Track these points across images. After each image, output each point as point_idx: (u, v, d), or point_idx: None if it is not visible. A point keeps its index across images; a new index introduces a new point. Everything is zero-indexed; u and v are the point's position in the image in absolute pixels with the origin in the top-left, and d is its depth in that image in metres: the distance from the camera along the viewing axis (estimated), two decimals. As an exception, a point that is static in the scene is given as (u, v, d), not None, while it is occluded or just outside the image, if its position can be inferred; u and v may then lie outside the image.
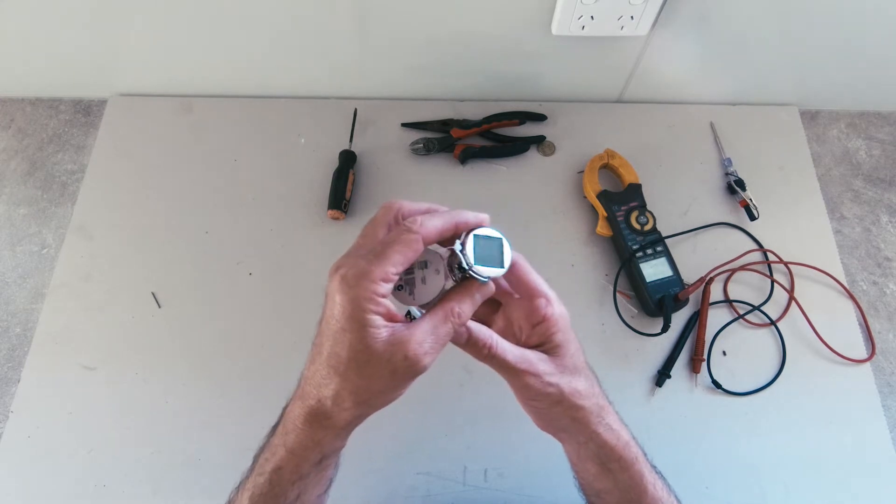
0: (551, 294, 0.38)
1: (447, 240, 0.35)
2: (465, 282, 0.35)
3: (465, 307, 0.35)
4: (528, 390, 0.37)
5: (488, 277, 0.35)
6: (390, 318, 0.33)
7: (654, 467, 0.42)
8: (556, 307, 0.38)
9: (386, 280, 0.32)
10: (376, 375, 0.32)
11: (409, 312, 0.35)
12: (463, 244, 0.34)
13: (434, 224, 0.33)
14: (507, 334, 0.39)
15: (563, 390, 0.37)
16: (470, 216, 0.35)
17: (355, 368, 0.32)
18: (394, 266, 0.32)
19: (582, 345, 0.40)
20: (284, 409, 0.38)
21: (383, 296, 0.32)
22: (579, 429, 0.39)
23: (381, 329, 0.32)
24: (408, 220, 0.33)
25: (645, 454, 0.41)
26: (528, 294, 0.38)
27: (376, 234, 0.34)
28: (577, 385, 0.38)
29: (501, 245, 0.35)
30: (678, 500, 0.42)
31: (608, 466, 0.39)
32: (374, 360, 0.32)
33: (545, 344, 0.38)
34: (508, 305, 0.40)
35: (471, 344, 0.36)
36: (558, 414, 0.38)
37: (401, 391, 0.34)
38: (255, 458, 0.39)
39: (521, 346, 0.37)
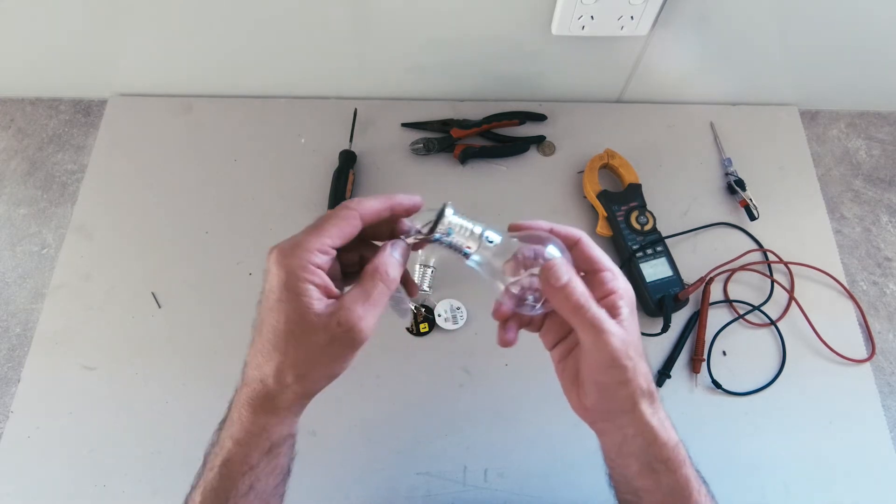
0: (616, 268, 0.38)
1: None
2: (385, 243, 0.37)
3: (382, 260, 0.35)
4: (604, 356, 0.34)
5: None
6: (327, 292, 0.33)
7: (698, 472, 0.39)
8: (622, 281, 0.37)
9: (322, 251, 0.33)
10: (314, 345, 0.32)
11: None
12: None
13: (371, 204, 0.35)
14: None
15: (636, 366, 0.34)
16: (404, 198, 0.36)
17: (293, 340, 0.33)
18: (330, 238, 0.33)
19: None
20: (231, 402, 0.38)
21: (319, 266, 0.33)
22: (631, 418, 0.36)
23: (316, 300, 0.32)
24: (347, 200, 0.34)
25: (690, 458, 0.38)
26: (593, 269, 0.38)
27: None
28: (642, 367, 0.35)
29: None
30: None
31: (653, 466, 0.36)
32: (311, 329, 0.32)
33: (613, 317, 0.36)
34: None
35: (567, 293, 0.34)
36: (620, 395, 0.35)
37: (342, 363, 0.34)
38: (206, 456, 0.38)
39: None
